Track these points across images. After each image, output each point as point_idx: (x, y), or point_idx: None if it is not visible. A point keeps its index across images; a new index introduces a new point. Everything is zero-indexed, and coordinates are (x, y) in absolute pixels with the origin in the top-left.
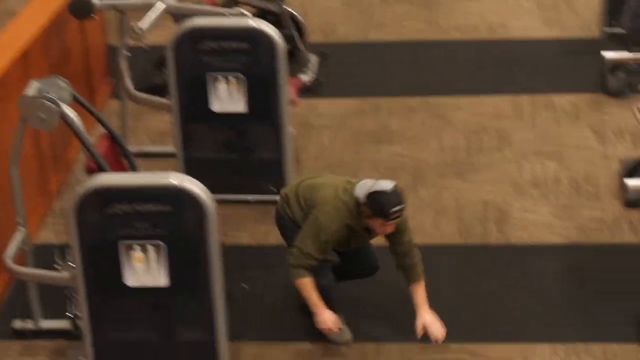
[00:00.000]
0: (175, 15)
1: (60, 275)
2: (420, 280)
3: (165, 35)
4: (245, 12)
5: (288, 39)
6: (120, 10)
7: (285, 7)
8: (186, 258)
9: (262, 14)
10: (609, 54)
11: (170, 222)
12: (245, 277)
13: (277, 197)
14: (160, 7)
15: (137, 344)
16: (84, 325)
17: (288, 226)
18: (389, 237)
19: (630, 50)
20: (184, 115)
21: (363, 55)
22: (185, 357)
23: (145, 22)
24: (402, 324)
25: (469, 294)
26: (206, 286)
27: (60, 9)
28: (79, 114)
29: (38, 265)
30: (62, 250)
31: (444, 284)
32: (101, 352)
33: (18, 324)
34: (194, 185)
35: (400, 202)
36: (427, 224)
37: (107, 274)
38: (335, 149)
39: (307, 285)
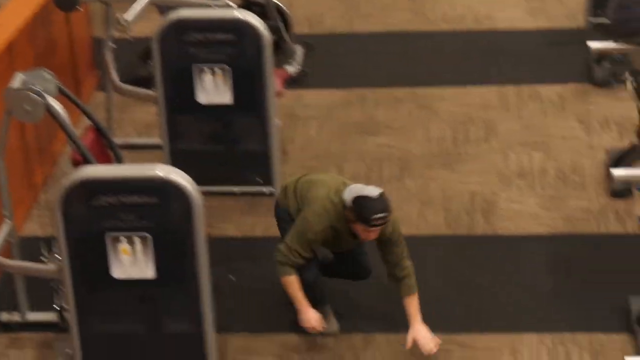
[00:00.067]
0: (161, 6)
1: (46, 267)
2: (412, 293)
3: (151, 27)
4: (230, 3)
5: (274, 30)
6: (105, 2)
7: None
8: (173, 250)
9: (247, 5)
10: (594, 44)
11: (157, 214)
12: (231, 268)
13: (263, 189)
14: None
15: (123, 336)
16: (71, 317)
17: (284, 218)
18: (380, 245)
19: (615, 41)
20: (170, 107)
21: (349, 46)
22: (172, 349)
23: (130, 14)
24: (390, 316)
25: (455, 284)
26: (193, 278)
27: (45, 1)
28: (65, 106)
29: (24, 257)
30: (49, 242)
31: (430, 274)
32: (88, 344)
33: (5, 316)
34: (180, 177)
35: (384, 210)
36: (413, 215)
37: (93, 266)
38: (322, 140)
39: (293, 283)
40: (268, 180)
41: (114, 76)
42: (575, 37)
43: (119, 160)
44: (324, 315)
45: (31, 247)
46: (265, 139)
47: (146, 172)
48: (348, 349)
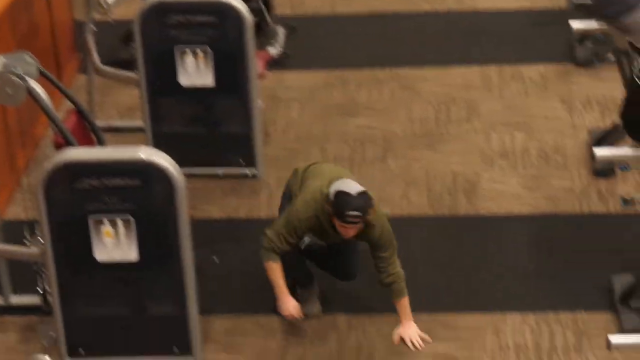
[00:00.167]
0: None
1: (29, 250)
2: (401, 298)
3: (132, 10)
4: None
5: (255, 12)
6: None
7: None
8: (156, 232)
9: None
10: (576, 24)
11: (140, 196)
12: (215, 250)
13: (246, 171)
14: None
15: (107, 319)
16: (54, 300)
17: (285, 203)
18: (370, 249)
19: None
20: (152, 89)
21: (331, 27)
22: (156, 331)
23: None
24: (373, 297)
25: (438, 264)
26: (176, 260)
27: None
28: (46, 89)
29: (7, 241)
30: (31, 225)
31: (413, 255)
32: (71, 327)
33: None
34: (162, 160)
35: (358, 209)
36: (396, 196)
37: (76, 249)
38: (304, 122)
39: (275, 269)
40: (251, 162)
41: (96, 59)
42: (558, 17)
43: (101, 143)
44: (308, 297)
45: (14, 231)
46: (247, 121)
47: (129, 154)
48: (332, 331)
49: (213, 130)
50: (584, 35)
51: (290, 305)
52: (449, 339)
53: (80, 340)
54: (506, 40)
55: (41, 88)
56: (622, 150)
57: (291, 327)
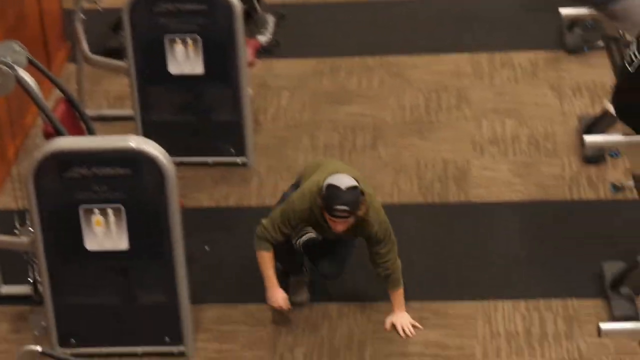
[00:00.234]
0: None
1: (19, 240)
2: (396, 288)
3: None
4: None
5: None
6: None
7: None
8: (146, 221)
9: None
10: (565, 11)
11: (130, 185)
12: (206, 239)
13: (236, 159)
14: None
15: (98, 309)
16: (45, 290)
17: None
18: (367, 244)
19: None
20: (142, 78)
21: (321, 15)
22: (147, 320)
23: None
24: (364, 286)
25: (429, 252)
26: (167, 249)
27: None
28: (36, 78)
29: None
30: (22, 215)
31: (404, 242)
32: (62, 317)
33: None
34: (152, 148)
35: (346, 204)
36: (387, 183)
37: (66, 238)
38: (294, 110)
39: (266, 259)
40: (241, 151)
41: (85, 47)
42: (548, 4)
43: (91, 132)
44: (297, 285)
45: (4, 221)
46: (237, 109)
47: (119, 143)
48: (323, 319)
49: (203, 118)
50: (574, 22)
51: (278, 296)
52: (440, 327)
53: (71, 330)
54: (497, 27)
55: (30, 77)
56: (611, 137)
57: (282, 316)
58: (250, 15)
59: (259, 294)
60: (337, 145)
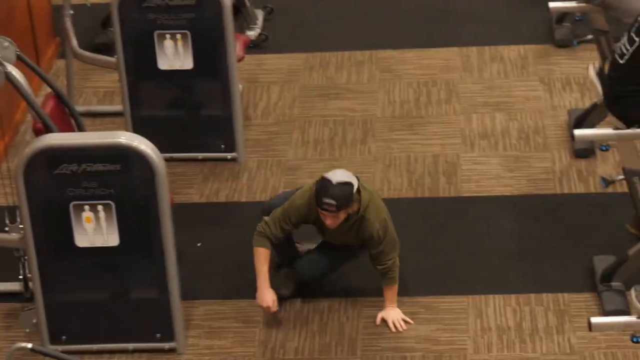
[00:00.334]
0: None
1: (9, 237)
2: (391, 285)
3: None
4: None
5: None
6: None
7: None
8: (137, 217)
9: None
10: (553, 4)
11: (120, 181)
12: (196, 234)
13: (226, 155)
14: None
15: (89, 305)
16: (35, 287)
17: None
18: (367, 245)
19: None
20: (131, 73)
21: (310, 9)
22: (138, 317)
23: None
24: (354, 282)
25: (419, 247)
26: (157, 245)
27: None
28: (25, 74)
29: None
30: (12, 212)
31: None
32: (53, 314)
33: None
34: (143, 144)
35: (334, 198)
36: (377, 178)
37: (57, 235)
38: (284, 105)
39: (261, 257)
40: (231, 146)
41: (74, 43)
42: None
43: (80, 128)
44: (285, 278)
45: None
46: (227, 104)
47: (109, 139)
48: (314, 314)
49: (193, 114)
50: (563, 16)
51: (268, 297)
52: (431, 321)
53: (62, 327)
54: (486, 21)
55: (20, 73)
56: (601, 131)
57: (273, 312)
58: (239, 10)
59: (250, 290)
60: (327, 140)
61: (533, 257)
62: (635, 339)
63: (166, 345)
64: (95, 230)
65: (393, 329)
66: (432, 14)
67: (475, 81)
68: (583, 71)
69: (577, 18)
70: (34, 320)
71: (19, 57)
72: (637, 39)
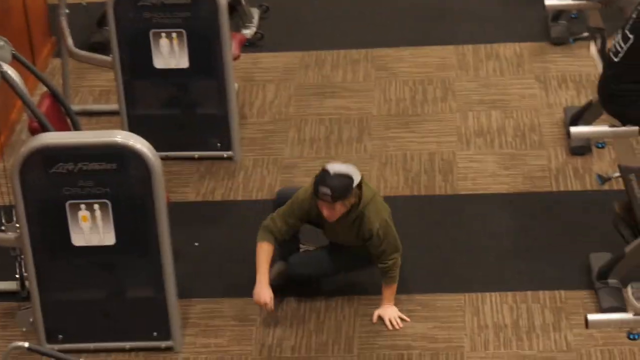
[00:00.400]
0: None
1: (6, 236)
2: (390, 284)
3: None
4: None
5: None
6: None
7: None
8: (133, 216)
9: None
10: (549, 2)
11: (116, 180)
12: (192, 233)
13: (222, 153)
14: None
15: (85, 304)
16: (31, 286)
17: None
18: (368, 246)
19: None
20: (127, 72)
21: (305, 8)
22: (134, 315)
23: None
24: (351, 279)
25: (416, 244)
26: (154, 244)
27: None
28: (21, 73)
29: None
30: (8, 211)
31: None
32: (49, 313)
33: None
34: (139, 143)
35: (330, 187)
36: (373, 176)
37: (53, 234)
38: (280, 104)
39: (263, 251)
40: (227, 144)
41: (70, 42)
42: None
43: (76, 127)
44: (280, 269)
45: None
46: (223, 103)
47: (105, 138)
48: (311, 312)
49: (188, 112)
50: (559, 14)
51: (265, 295)
52: (428, 319)
53: (58, 326)
54: (482, 19)
55: (15, 72)
56: (597, 128)
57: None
58: (235, 8)
59: (246, 289)
60: (323, 138)
61: (529, 254)
62: (631, 336)
63: (163, 344)
64: (91, 229)
65: (390, 327)
66: (427, 12)
67: (471, 79)
68: (579, 69)
69: (572, 16)
70: (31, 319)
71: (14, 56)
72: (631, 36)
